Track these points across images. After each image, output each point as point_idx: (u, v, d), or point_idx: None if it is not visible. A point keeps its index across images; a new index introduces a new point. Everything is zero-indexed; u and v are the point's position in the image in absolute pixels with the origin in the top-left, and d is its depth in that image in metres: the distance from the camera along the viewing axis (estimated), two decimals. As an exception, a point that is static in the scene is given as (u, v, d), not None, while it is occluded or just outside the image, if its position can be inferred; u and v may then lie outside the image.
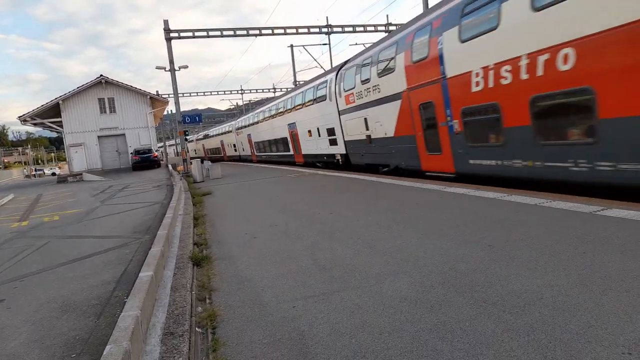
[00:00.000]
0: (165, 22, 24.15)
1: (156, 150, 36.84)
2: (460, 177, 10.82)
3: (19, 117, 33.44)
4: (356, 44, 34.41)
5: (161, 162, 37.43)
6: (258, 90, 60.25)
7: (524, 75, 8.12)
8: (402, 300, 3.73)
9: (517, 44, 8.23)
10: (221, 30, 25.58)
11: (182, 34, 24.63)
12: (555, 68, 7.45)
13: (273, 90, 55.11)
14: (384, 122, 14.17)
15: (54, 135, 58.41)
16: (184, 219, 8.85)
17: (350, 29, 27.58)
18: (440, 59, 10.65)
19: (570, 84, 7.25)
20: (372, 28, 27.68)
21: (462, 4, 9.91)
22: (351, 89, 16.37)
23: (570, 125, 7.67)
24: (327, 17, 28.11)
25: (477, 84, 9.45)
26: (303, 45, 36.16)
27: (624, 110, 6.55)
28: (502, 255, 4.57)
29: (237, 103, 71.72)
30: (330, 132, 19.12)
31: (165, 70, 25.07)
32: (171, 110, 47.48)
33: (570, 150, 7.57)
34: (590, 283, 3.61)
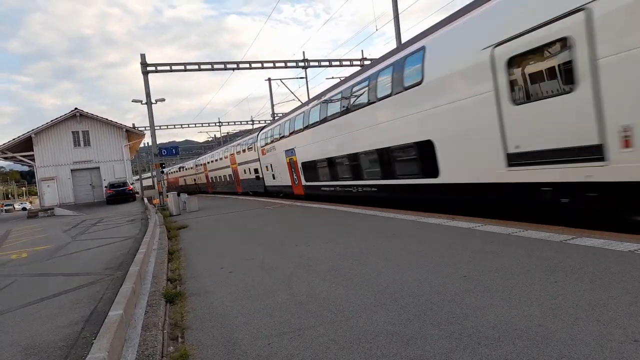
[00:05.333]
0: (142, 56, 24.27)
1: (131, 184, 36.25)
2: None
3: (-11, 151, 32.63)
4: (332, 77, 35.44)
5: (136, 195, 36.76)
6: (236, 123, 60.43)
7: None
8: (378, 335, 3.70)
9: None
10: (199, 64, 25.81)
11: (159, 68, 24.73)
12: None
13: (251, 122, 55.42)
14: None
15: (26, 169, 57.03)
16: (158, 254, 8.66)
17: (327, 63, 28.21)
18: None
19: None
20: (348, 63, 28.37)
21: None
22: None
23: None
24: (303, 52, 28.84)
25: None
26: (280, 79, 36.82)
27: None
28: (476, 286, 4.60)
29: (214, 135, 71.71)
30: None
31: (142, 104, 25.02)
32: (148, 143, 47.11)
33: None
34: (562, 313, 3.66)
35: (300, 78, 50.94)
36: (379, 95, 12.56)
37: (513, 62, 7.78)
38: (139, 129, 43.34)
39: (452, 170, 10.02)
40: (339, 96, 15.54)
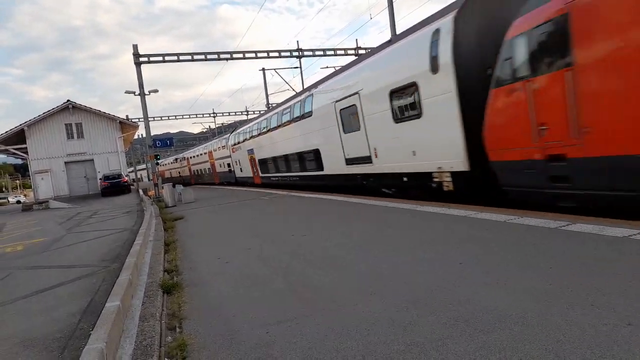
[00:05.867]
0: (135, 46, 24.01)
1: (126, 175, 36.12)
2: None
3: (-19, 144, 32.36)
4: (327, 67, 35.06)
5: (131, 187, 36.64)
6: (230, 114, 60.04)
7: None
8: (376, 322, 3.71)
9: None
10: (192, 54, 25.61)
11: (152, 59, 24.49)
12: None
13: (246, 113, 55.10)
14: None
15: (19, 162, 56.70)
16: (154, 245, 8.65)
17: (321, 52, 28.06)
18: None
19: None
20: (342, 52, 28.21)
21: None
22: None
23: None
24: (297, 42, 28.69)
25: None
26: (274, 69, 36.55)
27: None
28: (472, 273, 4.63)
29: (209, 126, 71.34)
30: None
31: (135, 95, 24.80)
32: (142, 135, 46.93)
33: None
34: (557, 298, 3.69)
35: (295, 68, 50.75)
36: (295, 118, 19.06)
37: (342, 111, 14.51)
38: (133, 120, 43.04)
39: (328, 166, 16.68)
40: (276, 115, 21.83)
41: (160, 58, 24.77)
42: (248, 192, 22.39)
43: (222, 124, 67.94)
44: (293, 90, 32.95)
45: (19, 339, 4.33)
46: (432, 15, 10.61)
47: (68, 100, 34.54)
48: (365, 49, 27.56)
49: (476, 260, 5.08)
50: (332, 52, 28.03)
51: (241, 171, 30.46)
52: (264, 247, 7.60)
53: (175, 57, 25.20)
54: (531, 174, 7.59)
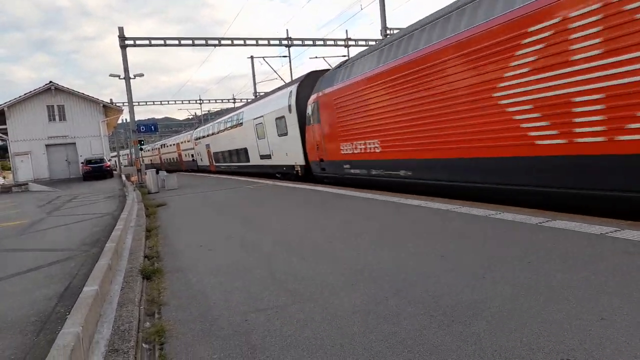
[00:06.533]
0: (120, 29, 23.52)
1: (109, 160, 35.60)
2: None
3: (-41, 123, 31.50)
4: (316, 57, 34.70)
5: (114, 172, 36.14)
6: (217, 101, 59.53)
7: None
8: (356, 312, 3.74)
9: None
10: (179, 39, 25.19)
11: (137, 42, 24.05)
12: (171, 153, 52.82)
13: (233, 100, 54.62)
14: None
15: (-2, 142, 55.36)
16: (135, 231, 8.55)
17: (310, 42, 27.86)
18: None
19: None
20: (332, 42, 28.07)
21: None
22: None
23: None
24: (287, 30, 28.38)
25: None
26: (263, 57, 36.16)
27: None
28: (453, 266, 4.68)
29: (195, 113, 70.56)
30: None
31: (120, 78, 24.34)
32: (126, 119, 46.33)
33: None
34: (534, 292, 3.75)
35: (284, 57, 50.34)
36: (234, 125, 26.81)
37: (257, 126, 22.25)
38: (117, 104, 42.32)
39: (252, 159, 24.39)
40: (224, 120, 30.02)
41: (147, 42, 24.33)
42: (233, 181, 22.28)
43: (208, 110, 67.26)
44: (282, 79, 32.74)
45: (-7, 322, 4.25)
46: (295, 80, 19.92)
47: (50, 82, 33.82)
48: (355, 40, 27.51)
49: (457, 253, 5.14)
50: (322, 43, 27.87)
51: (201, 161, 38.37)
52: (247, 235, 7.57)
53: (162, 41, 24.76)
54: (317, 167, 16.30)
